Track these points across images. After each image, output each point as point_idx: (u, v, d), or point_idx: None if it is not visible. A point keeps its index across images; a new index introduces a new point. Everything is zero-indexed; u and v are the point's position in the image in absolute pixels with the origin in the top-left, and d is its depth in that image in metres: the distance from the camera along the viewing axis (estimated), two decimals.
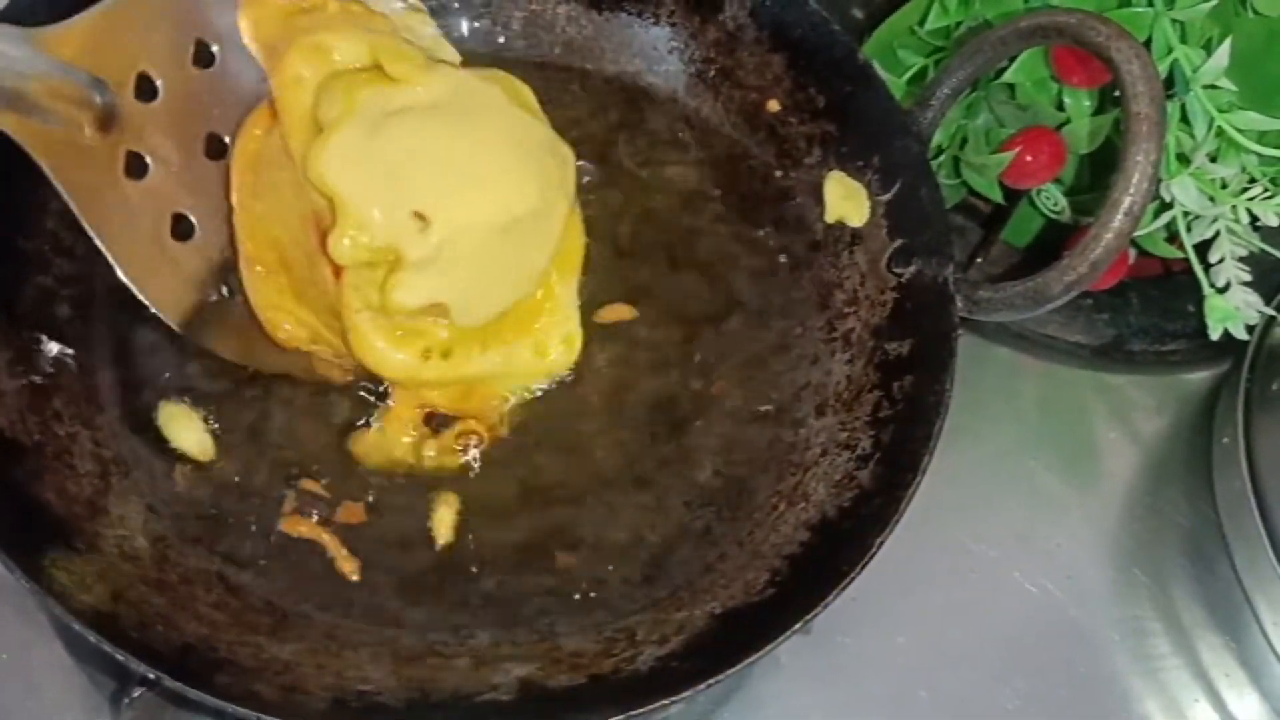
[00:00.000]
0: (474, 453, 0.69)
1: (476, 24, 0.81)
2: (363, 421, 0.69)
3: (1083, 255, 0.66)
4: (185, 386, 0.69)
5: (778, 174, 0.79)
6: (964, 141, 0.83)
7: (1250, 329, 0.81)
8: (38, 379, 0.67)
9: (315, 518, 0.66)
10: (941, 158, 0.84)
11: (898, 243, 0.75)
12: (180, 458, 0.67)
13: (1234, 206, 0.78)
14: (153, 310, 0.65)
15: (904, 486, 0.66)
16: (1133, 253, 0.84)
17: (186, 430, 0.68)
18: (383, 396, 0.69)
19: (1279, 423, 0.78)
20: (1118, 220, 0.65)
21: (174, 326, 0.66)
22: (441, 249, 0.64)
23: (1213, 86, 0.76)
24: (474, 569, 0.67)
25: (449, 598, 0.66)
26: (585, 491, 0.70)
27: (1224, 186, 0.79)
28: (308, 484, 0.67)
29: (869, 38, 0.85)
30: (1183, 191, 0.78)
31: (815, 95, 0.78)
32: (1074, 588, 0.81)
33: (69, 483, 0.65)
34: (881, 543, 0.64)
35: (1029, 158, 0.80)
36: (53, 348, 0.68)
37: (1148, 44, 0.75)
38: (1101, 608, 0.81)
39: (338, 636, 0.64)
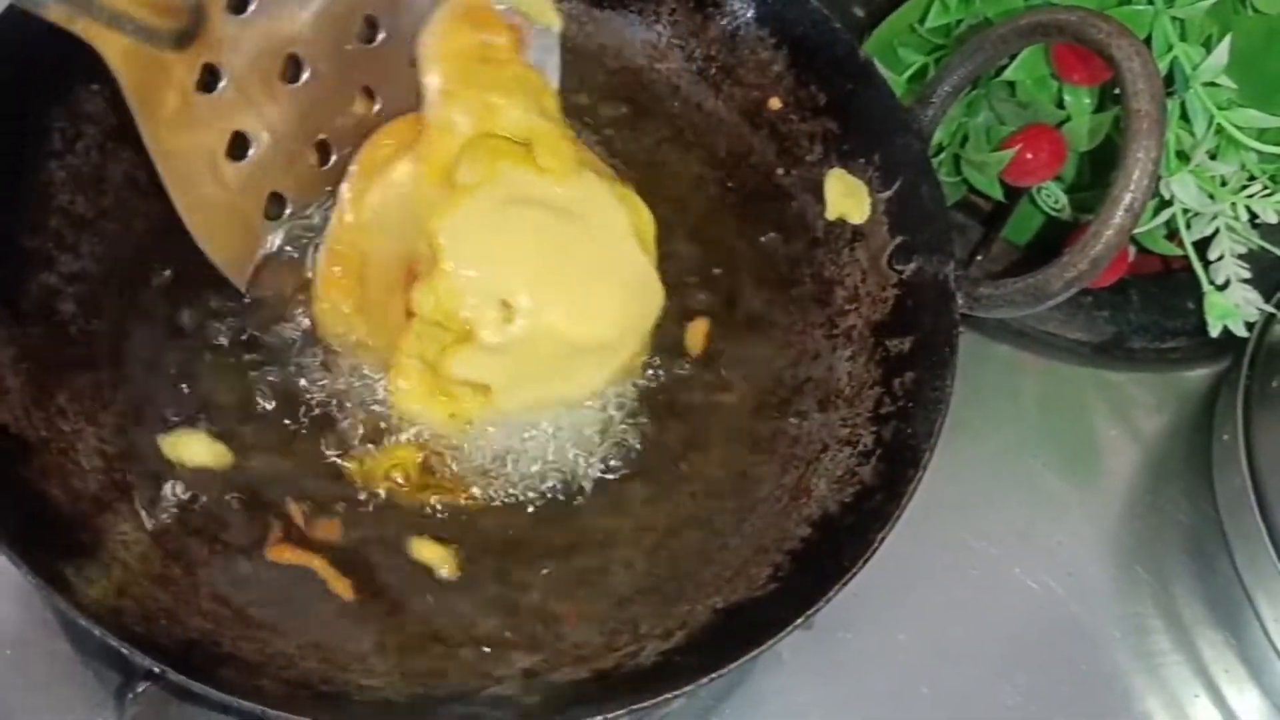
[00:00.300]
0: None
1: None
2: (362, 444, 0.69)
3: (1083, 252, 0.66)
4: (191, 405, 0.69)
5: (779, 171, 0.79)
6: (965, 139, 0.83)
7: (1250, 326, 0.81)
8: (42, 375, 0.67)
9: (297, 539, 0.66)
10: (942, 155, 0.84)
11: (898, 240, 0.75)
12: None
13: (1233, 204, 0.79)
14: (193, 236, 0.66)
15: (905, 482, 0.66)
16: (1133, 250, 0.85)
17: (197, 449, 0.68)
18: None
19: (1279, 420, 0.78)
20: (1118, 217, 0.65)
21: (208, 253, 0.67)
22: (513, 343, 0.66)
23: (1212, 84, 0.76)
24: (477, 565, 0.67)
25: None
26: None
27: (1223, 184, 0.79)
28: (294, 507, 0.67)
29: (870, 36, 0.85)
30: (1182, 189, 0.78)
31: (816, 93, 0.78)
32: (1075, 584, 0.81)
33: (74, 479, 0.65)
34: (883, 538, 0.64)
35: (1029, 155, 0.80)
36: (56, 346, 0.68)
37: (1148, 41, 0.75)
38: (1102, 604, 0.81)
39: (341, 630, 0.64)
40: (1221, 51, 0.75)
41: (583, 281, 0.68)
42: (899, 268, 0.74)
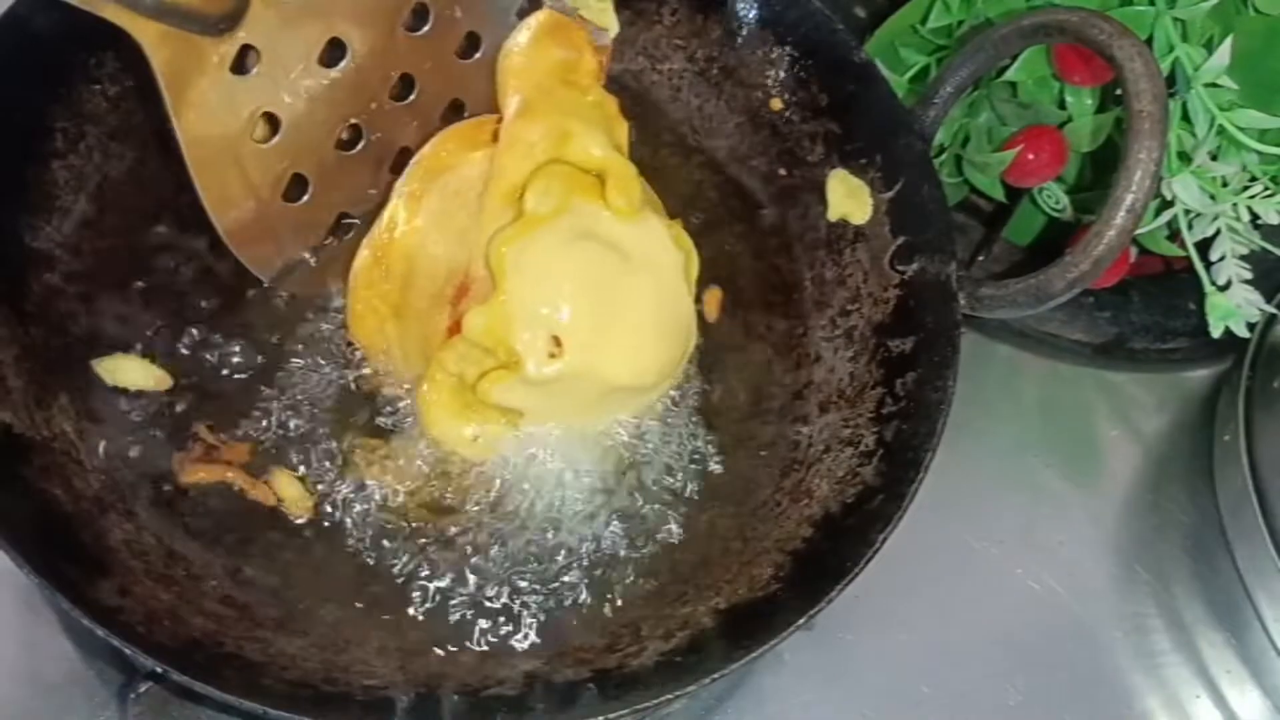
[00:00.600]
0: None
1: None
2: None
3: (1085, 252, 0.66)
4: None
5: (780, 172, 0.80)
6: (966, 140, 0.83)
7: (1251, 327, 0.81)
8: (44, 375, 0.67)
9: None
10: (944, 156, 0.84)
11: (900, 240, 0.75)
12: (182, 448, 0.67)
13: (1235, 204, 0.79)
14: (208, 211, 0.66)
15: (907, 483, 0.66)
16: (1134, 250, 0.85)
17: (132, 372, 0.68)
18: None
19: None
20: (1120, 217, 0.65)
21: (229, 243, 0.67)
22: (555, 379, 0.66)
23: (1214, 85, 0.76)
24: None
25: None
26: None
27: (1225, 184, 0.79)
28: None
29: (871, 36, 0.85)
30: (1184, 189, 0.78)
31: (818, 94, 0.78)
32: (1076, 584, 0.81)
33: (76, 479, 0.65)
34: (885, 539, 0.64)
35: (1031, 156, 0.80)
36: (60, 345, 0.68)
37: (1149, 42, 0.75)
38: (1103, 604, 0.81)
39: (344, 631, 0.64)
40: (1223, 52, 0.75)
41: (634, 327, 0.68)
42: (901, 268, 0.74)
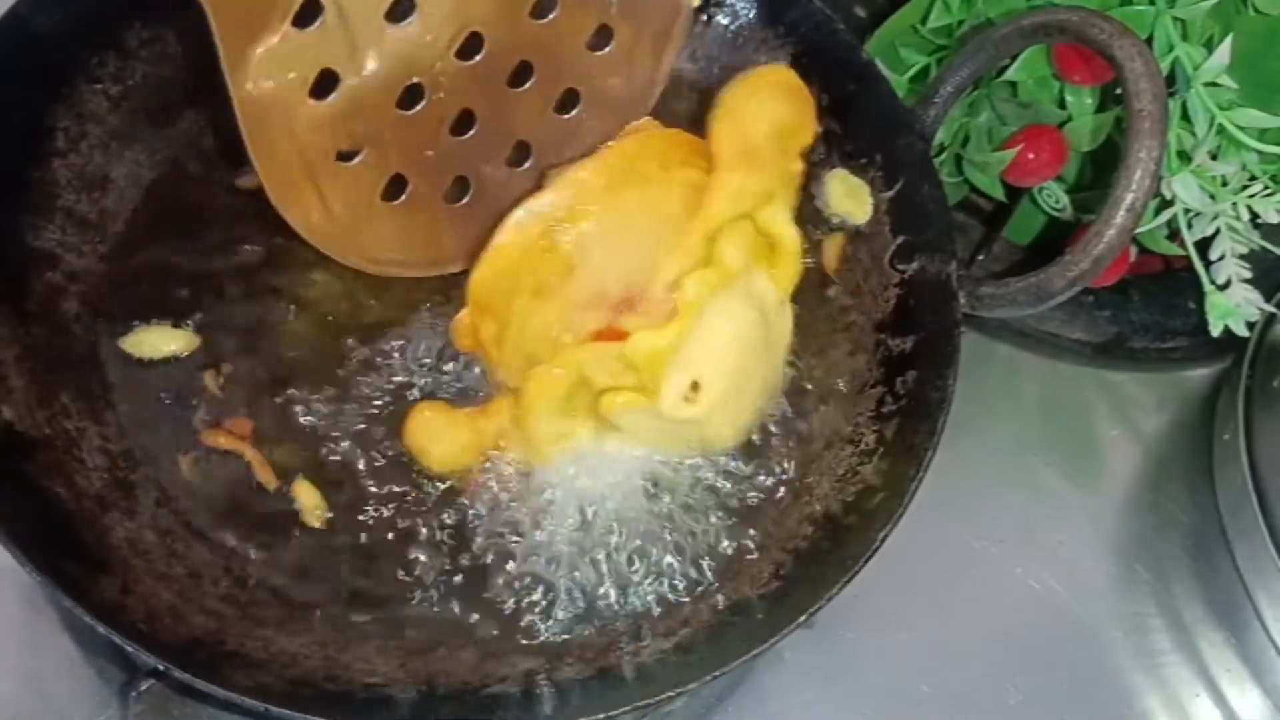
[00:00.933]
0: None
1: None
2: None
3: (1085, 251, 0.66)
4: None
5: None
6: (966, 139, 0.83)
7: (1251, 326, 0.81)
8: (46, 374, 0.67)
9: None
10: (944, 155, 0.84)
11: (900, 240, 0.75)
12: (184, 450, 0.67)
13: (1234, 204, 0.79)
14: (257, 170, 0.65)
15: (907, 481, 0.66)
16: (1134, 250, 0.85)
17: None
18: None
19: None
20: (1120, 217, 0.66)
21: (268, 191, 0.66)
22: (678, 419, 0.67)
23: (1214, 84, 0.76)
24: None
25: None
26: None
27: (1225, 184, 0.79)
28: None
29: (872, 36, 0.85)
30: (1184, 189, 0.78)
31: (818, 93, 0.77)
32: (1075, 584, 0.81)
33: (78, 477, 0.65)
34: (885, 537, 0.64)
35: (1031, 155, 0.80)
36: (61, 343, 0.68)
37: (1149, 41, 0.75)
38: (1103, 604, 0.81)
39: (345, 629, 0.64)
40: (1223, 51, 0.75)
41: (754, 394, 0.70)
42: (901, 267, 0.74)
